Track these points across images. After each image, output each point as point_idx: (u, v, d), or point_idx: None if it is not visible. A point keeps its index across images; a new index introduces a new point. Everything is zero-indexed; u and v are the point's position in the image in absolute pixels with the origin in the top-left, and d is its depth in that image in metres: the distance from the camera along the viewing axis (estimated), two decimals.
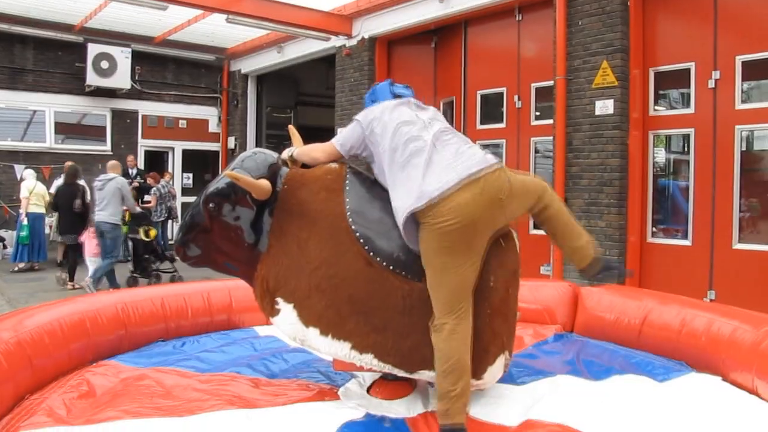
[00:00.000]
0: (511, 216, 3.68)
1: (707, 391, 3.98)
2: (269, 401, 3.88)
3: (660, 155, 8.58)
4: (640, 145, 8.44)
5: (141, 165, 15.31)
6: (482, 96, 10.61)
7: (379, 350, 3.63)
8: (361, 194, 3.83)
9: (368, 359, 3.65)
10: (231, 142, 16.72)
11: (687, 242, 8.08)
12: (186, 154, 16.79)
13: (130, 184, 12.43)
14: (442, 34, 11.56)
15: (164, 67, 16.22)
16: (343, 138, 3.90)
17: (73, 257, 10.72)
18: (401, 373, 3.73)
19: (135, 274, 10.71)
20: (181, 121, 16.61)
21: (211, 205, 3.80)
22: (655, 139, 8.48)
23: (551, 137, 9.00)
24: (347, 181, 3.88)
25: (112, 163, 10.51)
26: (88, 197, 10.67)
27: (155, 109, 16.18)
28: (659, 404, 3.74)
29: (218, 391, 3.99)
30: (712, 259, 7.80)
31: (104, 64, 14.49)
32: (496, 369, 3.75)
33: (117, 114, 15.61)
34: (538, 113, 9.73)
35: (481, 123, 10.59)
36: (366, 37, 12.26)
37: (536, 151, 9.77)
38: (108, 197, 9.57)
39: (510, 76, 10.05)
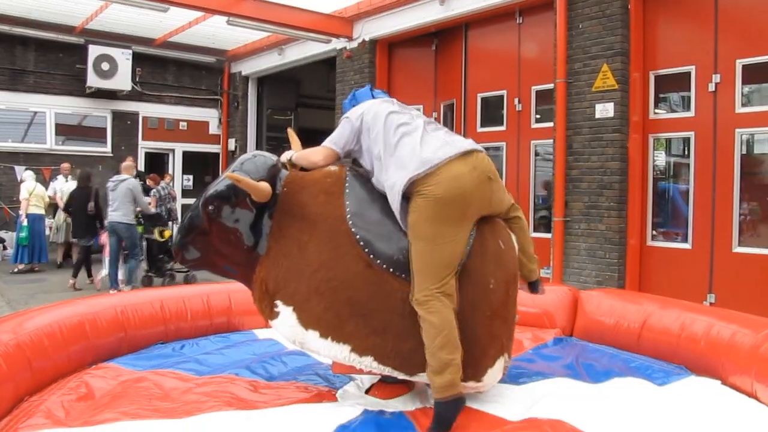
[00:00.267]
0: (496, 205, 3.82)
1: (706, 394, 3.99)
2: (267, 403, 3.89)
3: (660, 158, 8.58)
4: (641, 148, 8.43)
5: (141, 167, 15.32)
6: (483, 99, 10.60)
7: (379, 353, 3.63)
8: (361, 197, 3.84)
9: (368, 362, 3.65)
10: (231, 144, 16.71)
11: (687, 245, 8.08)
12: (186, 155, 16.78)
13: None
14: (442, 36, 11.56)
15: (165, 69, 16.22)
16: (336, 137, 3.96)
17: (84, 258, 10.82)
18: (401, 376, 3.73)
19: (150, 274, 10.90)
20: (181, 123, 16.60)
21: (210, 207, 3.80)
22: (656, 143, 8.47)
23: (551, 140, 9.00)
24: (347, 184, 3.89)
25: (126, 164, 10.70)
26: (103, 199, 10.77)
27: (156, 111, 16.17)
28: (658, 406, 3.74)
29: (217, 393, 3.99)
30: (711, 263, 7.80)
31: (105, 66, 14.49)
32: (495, 371, 3.75)
33: (117, 115, 15.61)
34: (538, 116, 9.72)
35: (482, 126, 10.59)
36: (367, 39, 12.27)
37: (536, 154, 9.76)
38: (120, 198, 9.76)
39: (510, 79, 10.05)
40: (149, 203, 10.89)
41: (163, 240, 10.73)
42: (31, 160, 14.30)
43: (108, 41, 14.56)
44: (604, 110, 8.37)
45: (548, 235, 9.11)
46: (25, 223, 11.90)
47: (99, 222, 10.76)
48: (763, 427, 3.51)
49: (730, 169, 7.62)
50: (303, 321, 3.69)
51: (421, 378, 3.72)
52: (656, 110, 8.46)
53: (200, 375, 4.42)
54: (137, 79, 15.48)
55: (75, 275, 10.54)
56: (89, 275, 10.80)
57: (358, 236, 3.68)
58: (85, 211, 10.73)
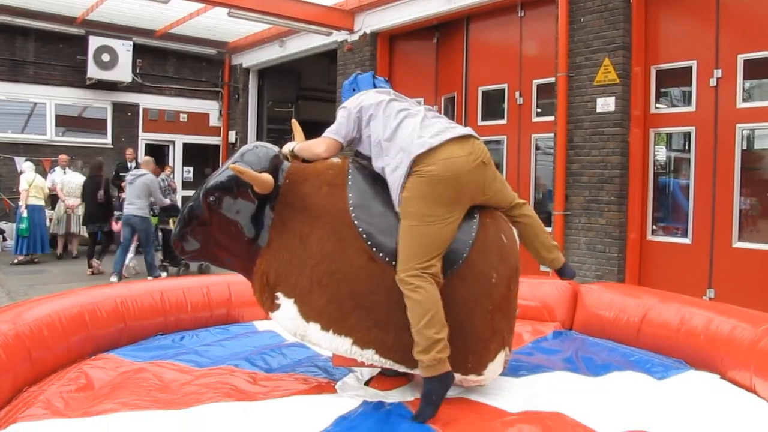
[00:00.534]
0: (491, 193, 3.83)
1: (705, 388, 3.99)
2: (267, 394, 3.89)
3: (661, 153, 8.57)
4: (641, 142, 8.43)
5: (141, 158, 15.29)
6: (483, 92, 10.58)
7: (381, 346, 3.63)
8: (364, 189, 3.83)
9: (369, 355, 3.65)
10: (232, 137, 16.71)
11: (687, 240, 8.08)
12: (187, 147, 16.78)
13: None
14: (444, 29, 11.53)
15: (165, 61, 16.21)
16: (337, 127, 3.97)
17: (104, 242, 11.51)
18: (402, 369, 3.73)
19: (165, 263, 11.08)
20: (182, 115, 16.60)
21: (211, 198, 3.79)
22: (656, 137, 8.47)
23: (552, 134, 8.99)
24: (350, 176, 3.89)
25: (146, 159, 11.13)
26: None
27: (156, 103, 16.17)
28: (657, 400, 3.74)
29: (216, 385, 3.99)
30: (711, 258, 7.80)
31: (105, 57, 14.48)
32: (496, 365, 3.75)
33: (118, 107, 15.60)
34: (539, 110, 9.71)
35: (483, 119, 10.58)
36: (368, 32, 12.25)
37: (537, 148, 9.75)
38: (137, 192, 10.03)
39: (512, 73, 10.04)
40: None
41: None
42: (31, 151, 14.30)
43: (109, 32, 14.56)
44: (606, 104, 8.37)
45: (548, 229, 9.11)
46: (25, 214, 11.89)
47: (107, 210, 11.29)
48: (762, 421, 3.50)
49: (730, 164, 7.62)
50: (304, 313, 3.69)
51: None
52: (657, 105, 8.45)
53: (200, 366, 4.42)
54: (138, 71, 15.48)
55: (99, 259, 11.16)
56: (89, 265, 11.10)
57: (360, 229, 3.68)
58: (96, 199, 11.20)
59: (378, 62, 12.24)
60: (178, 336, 5.28)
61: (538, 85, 9.67)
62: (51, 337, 4.26)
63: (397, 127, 3.75)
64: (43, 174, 13.22)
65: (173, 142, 16.66)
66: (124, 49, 14.70)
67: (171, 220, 10.93)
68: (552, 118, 9.03)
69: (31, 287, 9.51)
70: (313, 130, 4.12)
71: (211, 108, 17.03)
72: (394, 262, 3.61)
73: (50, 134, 14.78)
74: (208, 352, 4.79)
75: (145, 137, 16.14)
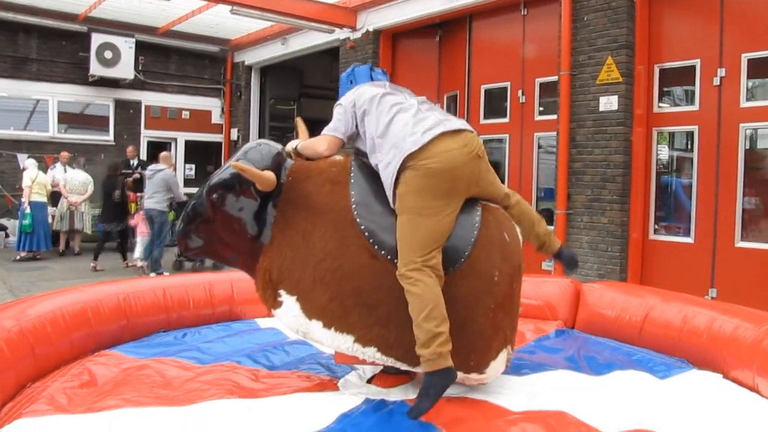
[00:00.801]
0: (484, 185, 3.84)
1: (708, 387, 3.98)
2: (269, 391, 3.89)
3: (663, 152, 8.56)
4: (644, 141, 8.42)
5: (144, 156, 15.33)
6: (486, 90, 10.58)
7: (383, 343, 3.63)
8: (366, 187, 3.83)
9: (371, 352, 3.65)
10: (234, 134, 16.71)
11: (689, 240, 8.08)
12: (189, 145, 16.80)
13: (131, 175, 12.76)
14: (446, 27, 11.53)
15: (168, 58, 16.22)
16: (335, 124, 3.97)
17: (123, 240, 11.94)
18: (404, 367, 3.73)
19: (180, 258, 11.31)
20: (184, 112, 16.62)
21: (214, 195, 3.79)
22: (659, 136, 8.46)
23: (555, 133, 8.98)
24: (352, 174, 3.89)
25: (164, 154, 11.31)
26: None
27: (158, 100, 16.19)
28: (660, 399, 3.74)
29: (218, 382, 3.99)
30: (714, 257, 7.80)
31: (108, 54, 14.49)
32: (498, 363, 3.75)
33: (120, 104, 15.62)
34: (541, 108, 9.70)
35: (485, 117, 10.57)
36: (370, 29, 12.24)
37: (539, 147, 9.75)
38: (155, 186, 10.40)
39: (514, 71, 10.03)
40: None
41: None
42: (33, 148, 14.32)
43: (111, 29, 14.58)
44: (608, 103, 8.36)
45: (550, 228, 9.10)
46: (28, 210, 11.90)
47: (123, 209, 11.70)
48: (765, 420, 3.50)
49: (733, 163, 7.62)
50: (307, 311, 3.69)
51: (423, 369, 3.72)
52: (660, 104, 8.44)
53: (202, 363, 4.42)
54: (140, 68, 15.50)
55: (124, 257, 11.77)
56: (95, 258, 11.35)
57: (363, 226, 3.68)
58: (112, 199, 11.48)
59: (380, 60, 12.23)
60: (180, 333, 5.28)
61: (540, 84, 9.66)
62: (54, 334, 4.26)
63: (389, 122, 3.74)
64: (45, 171, 13.22)
65: (175, 140, 16.67)
66: (126, 46, 14.72)
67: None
68: (554, 116, 9.02)
69: (33, 284, 9.52)
70: (316, 127, 4.11)
71: (213, 105, 17.04)
72: (395, 260, 3.60)
73: (53, 131, 14.79)
74: (211, 349, 4.78)
75: (147, 134, 16.16)
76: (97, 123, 15.54)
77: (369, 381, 4.09)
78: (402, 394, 3.85)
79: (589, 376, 4.19)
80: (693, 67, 8.02)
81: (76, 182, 12.77)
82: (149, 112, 16.09)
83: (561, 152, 8.79)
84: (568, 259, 4.27)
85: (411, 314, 3.48)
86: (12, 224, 13.52)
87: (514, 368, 4.18)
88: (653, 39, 8.43)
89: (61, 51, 14.71)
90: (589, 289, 5.61)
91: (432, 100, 11.36)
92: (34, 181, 12.12)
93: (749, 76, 7.53)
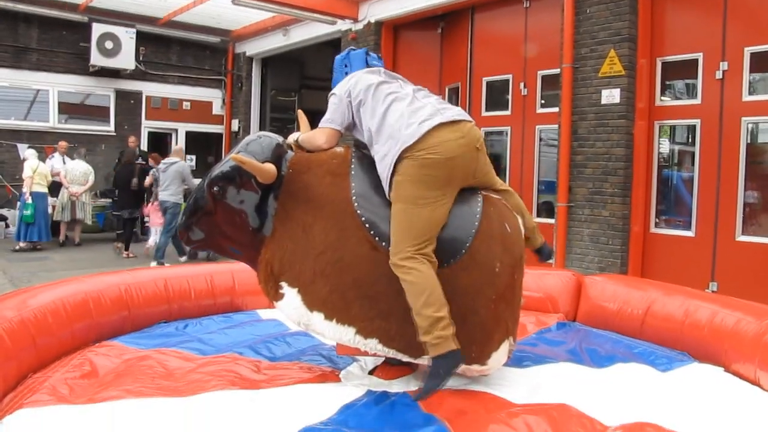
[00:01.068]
0: (481, 176, 3.84)
1: (709, 380, 3.98)
2: (271, 382, 3.89)
3: (665, 146, 8.56)
4: (646, 135, 8.41)
5: (144, 146, 15.32)
6: (488, 83, 10.56)
7: (384, 335, 3.63)
8: (367, 179, 3.82)
9: (373, 344, 3.65)
10: (235, 125, 16.68)
11: (690, 233, 8.08)
12: (189, 136, 16.77)
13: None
14: (449, 19, 11.50)
15: (169, 49, 16.18)
16: (331, 115, 3.94)
17: (129, 230, 12.21)
18: (405, 358, 3.73)
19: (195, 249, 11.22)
20: (185, 103, 16.59)
21: (215, 188, 3.78)
22: (661, 130, 8.45)
23: (556, 125, 8.97)
24: (352, 166, 3.88)
25: (176, 148, 11.97)
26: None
27: (159, 91, 16.16)
28: (661, 392, 3.74)
29: (220, 373, 3.99)
30: (714, 251, 7.80)
31: (108, 45, 14.46)
32: (500, 355, 3.75)
33: (121, 94, 15.59)
34: (543, 101, 9.69)
35: (487, 110, 10.56)
36: (372, 21, 12.21)
37: (540, 140, 9.74)
38: (170, 179, 10.80)
39: (516, 64, 10.01)
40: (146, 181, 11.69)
41: None
42: (33, 138, 14.30)
43: (112, 20, 14.52)
44: (610, 96, 8.35)
45: (551, 221, 9.11)
46: (30, 201, 11.88)
47: (139, 197, 12.16)
48: (766, 414, 3.50)
49: (735, 157, 7.61)
50: (308, 303, 3.69)
51: (425, 360, 3.71)
52: (662, 97, 8.43)
53: (204, 354, 4.42)
54: (141, 59, 15.47)
55: (127, 248, 11.92)
56: (126, 248, 11.91)
57: (363, 218, 3.67)
58: (129, 186, 11.96)
59: (382, 52, 12.18)
60: (181, 324, 5.27)
61: (542, 76, 9.64)
62: (55, 324, 4.26)
63: (384, 112, 3.72)
64: (43, 161, 13.20)
65: (176, 131, 16.66)
66: (127, 36, 14.69)
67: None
68: (556, 109, 9.00)
69: (34, 274, 9.53)
70: (317, 119, 4.10)
71: (214, 96, 17.01)
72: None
73: (53, 121, 14.77)
74: (212, 340, 4.79)
75: (147, 125, 16.15)
76: (98, 113, 15.52)
77: (371, 372, 4.10)
78: (404, 386, 3.86)
79: (591, 369, 4.19)
80: (695, 61, 8.00)
81: (76, 172, 12.78)
82: (150, 103, 16.07)
83: (563, 145, 8.77)
84: (547, 255, 4.33)
85: (409, 303, 3.48)
86: (12, 214, 13.51)
87: (516, 360, 4.18)
88: (656, 32, 8.41)
89: (61, 41, 14.67)
90: (590, 282, 5.61)
91: (433, 92, 11.43)
92: (35, 171, 12.10)
93: (752, 70, 7.50)
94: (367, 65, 4.23)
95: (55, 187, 12.75)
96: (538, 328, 5.24)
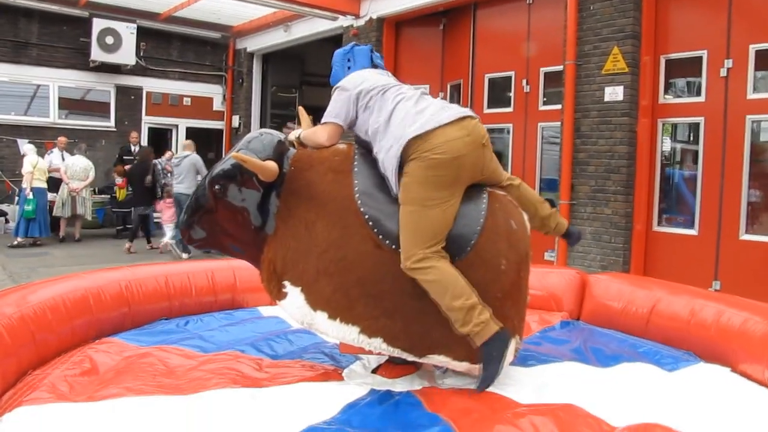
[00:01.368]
0: (488, 173, 3.80)
1: (717, 381, 3.94)
2: (273, 381, 3.85)
3: (668, 143, 8.52)
4: (649, 132, 8.38)
5: (144, 142, 15.27)
6: (490, 79, 10.52)
7: (389, 334, 3.59)
8: (370, 176, 3.77)
9: (377, 343, 3.61)
10: (235, 121, 16.65)
11: (693, 231, 8.04)
12: (190, 131, 16.68)
13: (132, 161, 13.03)
14: (451, 16, 11.46)
15: (169, 44, 16.14)
16: (337, 110, 3.88)
17: (145, 226, 12.54)
18: (410, 357, 3.69)
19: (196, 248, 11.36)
20: (185, 99, 16.56)
21: (216, 186, 3.72)
22: (664, 127, 8.41)
23: (559, 123, 8.93)
24: (355, 163, 3.82)
25: (187, 142, 11.97)
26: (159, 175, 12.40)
27: (159, 86, 16.12)
28: (668, 392, 3.70)
29: (222, 371, 3.96)
30: (718, 250, 7.76)
31: (109, 40, 14.41)
32: (507, 353, 3.70)
33: (121, 90, 15.54)
34: (545, 98, 9.64)
35: (489, 107, 10.52)
36: (374, 17, 12.16)
37: (543, 137, 9.70)
38: (184, 172, 11.07)
39: (519, 60, 9.97)
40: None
41: None
42: (33, 133, 14.27)
43: (112, 15, 14.47)
44: (614, 93, 8.31)
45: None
46: (30, 196, 11.83)
47: (153, 193, 12.23)
48: None
49: (739, 155, 7.57)
50: (311, 302, 3.65)
51: (431, 359, 3.68)
52: (666, 95, 8.38)
53: (205, 352, 4.38)
54: (141, 54, 15.41)
55: (149, 241, 12.42)
56: (148, 241, 12.42)
57: (366, 216, 3.62)
58: (143, 183, 12.07)
59: (384, 48, 12.15)
60: (182, 321, 5.23)
61: (545, 73, 9.60)
62: (55, 321, 4.22)
63: (392, 111, 3.69)
64: (42, 156, 13.15)
65: (176, 126, 16.63)
66: (128, 31, 14.63)
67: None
68: (559, 106, 8.97)
69: (33, 270, 9.49)
70: (318, 115, 4.05)
71: (214, 92, 16.98)
72: (400, 250, 3.56)
73: (53, 117, 14.72)
74: (213, 338, 4.74)
75: (148, 121, 16.10)
76: (98, 109, 15.48)
77: (374, 371, 4.05)
78: (407, 385, 3.82)
79: (596, 369, 4.15)
80: (700, 58, 7.96)
81: (77, 168, 12.77)
82: (150, 99, 16.03)
83: (565, 142, 8.73)
84: (577, 238, 4.37)
85: (436, 301, 3.45)
86: (12, 210, 13.46)
87: (520, 359, 4.13)
88: (660, 29, 8.36)
89: (62, 36, 14.62)
90: (595, 281, 5.56)
91: (435, 88, 11.43)
92: (36, 166, 12.05)
93: (757, 68, 7.46)
94: (373, 63, 4.16)
95: (53, 183, 12.69)
96: (542, 327, 5.20)
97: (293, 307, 3.72)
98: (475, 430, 3.15)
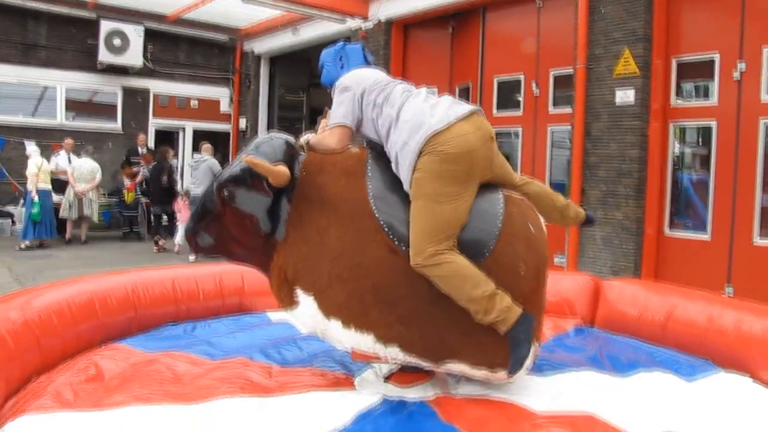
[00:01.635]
0: (497, 168, 3.74)
1: (738, 390, 3.84)
2: (282, 389, 3.76)
3: (680, 147, 8.43)
4: (660, 136, 8.30)
5: (151, 144, 15.25)
6: (499, 82, 10.45)
7: (405, 341, 3.49)
8: (384, 179, 3.67)
9: (393, 351, 3.51)
10: (242, 123, 16.64)
11: (706, 236, 7.96)
12: (197, 134, 16.67)
13: (138, 163, 13.25)
14: (460, 18, 11.40)
15: (177, 46, 16.13)
16: (344, 111, 3.78)
17: (158, 224, 12.95)
18: (426, 365, 3.60)
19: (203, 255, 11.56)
20: (192, 101, 16.55)
21: (225, 192, 3.61)
22: (676, 131, 8.32)
23: (569, 126, 8.85)
24: (369, 166, 3.73)
25: (206, 146, 12.00)
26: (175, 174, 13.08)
27: (167, 88, 16.11)
28: (688, 401, 3.61)
29: (230, 378, 3.87)
30: (730, 254, 7.67)
31: (117, 42, 14.41)
32: (527, 361, 3.62)
33: (128, 92, 15.52)
34: (555, 101, 9.56)
35: (498, 110, 10.45)
36: (382, 20, 12.11)
37: (552, 140, 9.62)
38: (201, 176, 11.13)
39: (528, 63, 9.90)
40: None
41: None
42: (41, 135, 14.24)
43: (120, 17, 14.46)
44: (625, 96, 8.24)
45: None
46: (36, 199, 11.78)
47: (170, 193, 12.61)
48: None
49: (752, 159, 7.49)
50: (324, 309, 3.54)
51: (446, 367, 3.60)
52: (678, 98, 8.29)
53: (213, 358, 4.29)
54: (149, 56, 15.40)
55: (156, 242, 12.53)
56: (156, 243, 12.53)
57: (381, 220, 3.52)
58: (160, 183, 12.42)
59: (392, 51, 12.12)
60: (189, 326, 5.13)
61: (555, 76, 9.53)
62: (60, 325, 4.14)
63: (401, 106, 3.61)
64: (49, 158, 13.12)
65: (183, 129, 16.61)
66: (135, 33, 14.63)
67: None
68: (569, 109, 8.90)
69: (39, 272, 9.45)
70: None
71: (221, 95, 16.96)
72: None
73: (60, 119, 14.71)
74: (221, 344, 4.65)
75: (155, 123, 16.09)
76: (105, 111, 15.48)
77: (386, 379, 3.96)
78: (421, 393, 3.72)
79: (613, 377, 4.05)
80: (712, 61, 7.90)
81: (83, 170, 12.76)
82: (157, 101, 16.03)
83: (576, 146, 8.67)
84: (593, 219, 4.38)
85: (454, 296, 3.37)
86: (18, 212, 13.43)
87: (535, 367, 4.04)
88: (671, 31, 8.29)
89: (70, 38, 14.61)
90: (608, 286, 5.46)
91: (444, 91, 11.31)
92: (40, 168, 12.01)
93: None
94: (366, 61, 4.10)
95: (58, 185, 12.67)
96: (555, 333, 5.09)
97: (306, 316, 3.63)
98: None
